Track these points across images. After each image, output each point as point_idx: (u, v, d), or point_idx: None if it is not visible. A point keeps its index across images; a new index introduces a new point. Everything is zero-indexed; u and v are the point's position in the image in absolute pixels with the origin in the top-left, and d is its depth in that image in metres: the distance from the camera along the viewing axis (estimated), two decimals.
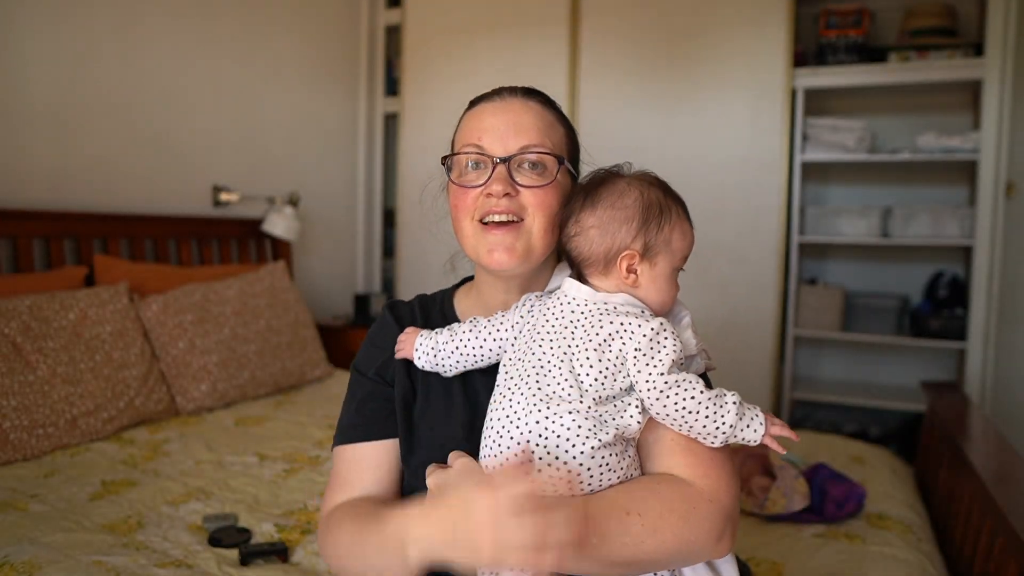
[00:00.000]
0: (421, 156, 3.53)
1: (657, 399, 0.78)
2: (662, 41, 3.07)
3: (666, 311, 0.88)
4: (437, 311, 1.02)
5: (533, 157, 0.89)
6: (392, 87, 3.74)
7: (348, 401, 0.99)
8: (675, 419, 0.78)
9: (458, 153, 0.92)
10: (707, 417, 0.78)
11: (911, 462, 2.37)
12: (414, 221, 3.58)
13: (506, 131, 0.89)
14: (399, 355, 0.95)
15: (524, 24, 3.28)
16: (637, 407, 0.79)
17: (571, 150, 0.96)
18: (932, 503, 1.79)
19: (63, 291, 2.02)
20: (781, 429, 0.80)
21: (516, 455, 0.77)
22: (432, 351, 0.92)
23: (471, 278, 1.04)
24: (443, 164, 0.95)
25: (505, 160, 0.88)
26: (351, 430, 0.95)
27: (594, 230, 0.84)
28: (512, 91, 0.94)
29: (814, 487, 1.57)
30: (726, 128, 2.99)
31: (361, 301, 3.37)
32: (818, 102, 3.16)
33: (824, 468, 1.64)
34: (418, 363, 0.93)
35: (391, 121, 3.79)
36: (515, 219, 0.88)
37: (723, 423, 0.78)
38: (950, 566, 1.50)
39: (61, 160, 2.31)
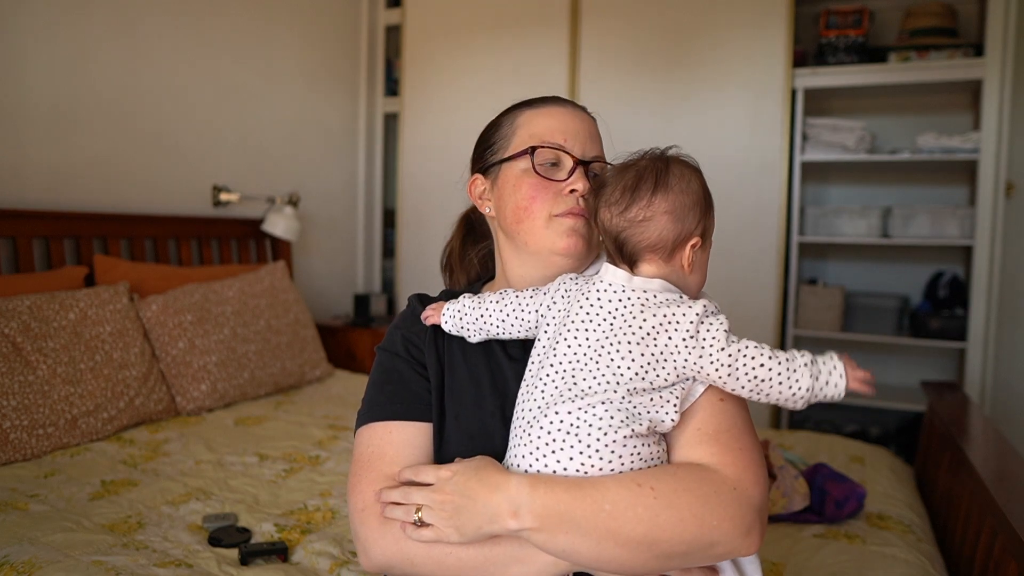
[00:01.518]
0: (421, 156, 3.53)
1: (729, 375, 0.77)
2: (662, 41, 3.07)
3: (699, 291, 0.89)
4: None
5: (599, 168, 0.96)
6: (392, 87, 3.74)
7: (378, 380, 0.97)
8: (751, 390, 0.77)
9: (547, 146, 0.94)
10: (781, 383, 0.76)
11: (911, 462, 2.37)
12: (414, 221, 3.58)
13: (585, 138, 0.96)
14: (428, 321, 0.97)
15: (524, 24, 3.28)
16: (675, 405, 0.79)
17: None
18: (932, 503, 1.79)
19: (63, 291, 2.02)
20: (865, 375, 0.77)
21: None
22: (458, 313, 0.94)
23: (491, 278, 1.05)
24: (530, 153, 0.95)
25: (586, 163, 0.94)
26: (387, 408, 0.93)
27: (668, 216, 0.83)
28: (572, 102, 1.00)
29: (814, 487, 1.57)
30: (726, 128, 2.99)
31: (361, 301, 3.37)
32: (818, 102, 3.16)
33: (824, 468, 1.64)
34: (444, 326, 0.95)
35: (391, 121, 3.79)
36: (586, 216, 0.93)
37: (799, 387, 0.76)
38: (950, 566, 1.50)
39: (61, 160, 2.32)
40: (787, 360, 0.77)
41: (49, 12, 2.24)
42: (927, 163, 2.91)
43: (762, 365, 0.76)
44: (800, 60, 2.97)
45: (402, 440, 0.91)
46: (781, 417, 3.06)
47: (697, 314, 0.79)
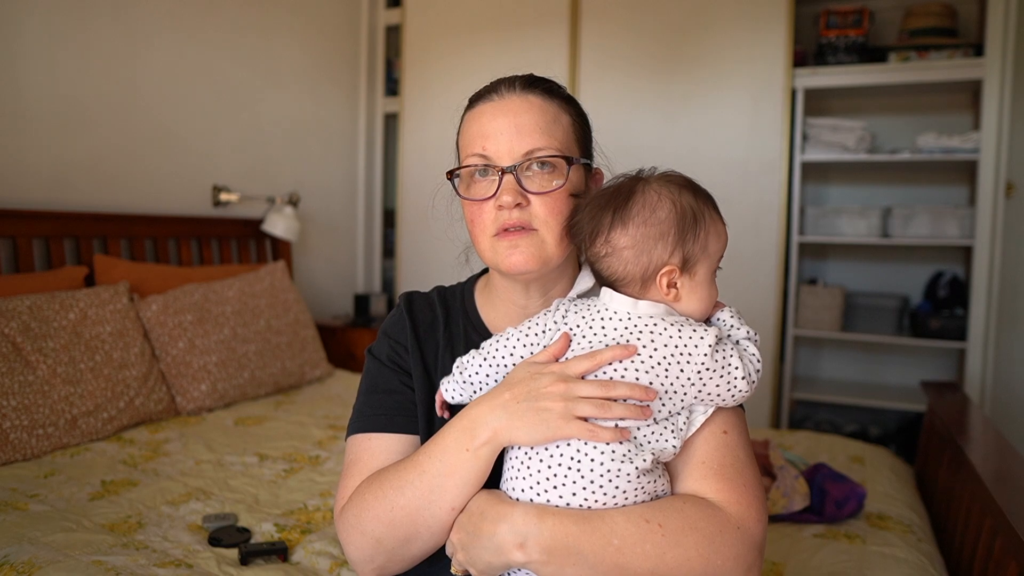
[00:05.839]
0: (421, 156, 3.53)
1: (745, 393, 0.80)
2: (662, 41, 3.07)
3: (708, 314, 0.85)
4: (458, 305, 1.00)
5: (543, 158, 0.86)
6: (392, 87, 3.74)
7: (365, 389, 0.96)
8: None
9: (463, 167, 0.90)
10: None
11: (911, 462, 2.37)
12: (414, 221, 3.58)
13: (509, 135, 0.86)
14: (441, 412, 0.91)
15: (524, 24, 3.28)
16: (674, 433, 0.77)
17: (581, 136, 0.93)
18: (932, 503, 1.79)
19: (63, 291, 2.02)
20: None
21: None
22: (457, 370, 0.88)
23: (487, 270, 1.02)
24: (449, 179, 0.93)
25: (511, 169, 0.86)
26: (370, 419, 0.92)
27: (628, 251, 0.80)
28: (511, 85, 0.90)
29: (814, 487, 1.57)
30: (726, 128, 2.99)
31: (361, 301, 3.37)
32: (818, 102, 3.16)
33: (824, 468, 1.64)
34: (448, 396, 0.89)
35: (391, 121, 3.79)
36: (528, 228, 0.87)
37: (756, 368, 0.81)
38: (950, 566, 1.50)
39: (61, 160, 2.31)
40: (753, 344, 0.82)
41: (49, 12, 2.24)
42: (927, 163, 2.91)
43: (759, 371, 0.80)
44: (800, 60, 2.97)
45: (380, 447, 0.91)
46: (781, 417, 3.06)
47: (710, 346, 0.77)
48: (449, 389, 0.89)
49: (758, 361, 0.80)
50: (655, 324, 0.78)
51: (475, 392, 0.87)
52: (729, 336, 0.82)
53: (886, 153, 2.95)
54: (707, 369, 0.76)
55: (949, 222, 2.84)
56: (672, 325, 0.78)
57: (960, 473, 1.55)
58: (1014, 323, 2.70)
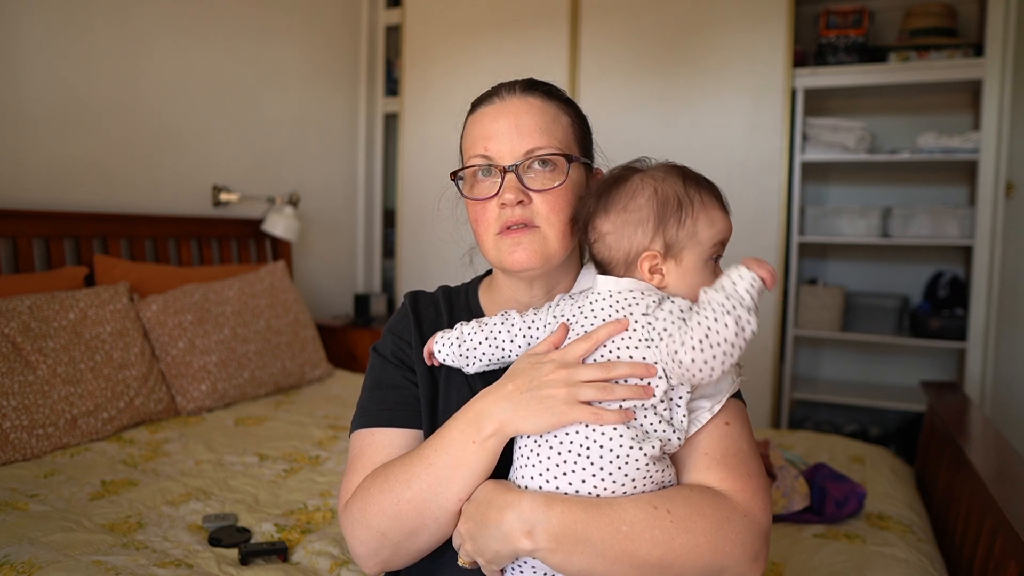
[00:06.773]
0: (421, 156, 3.53)
1: (700, 371, 0.73)
2: (662, 41, 3.07)
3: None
4: (462, 304, 1.01)
5: (544, 157, 0.88)
6: (392, 87, 3.74)
7: (369, 385, 0.97)
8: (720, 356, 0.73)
9: (467, 167, 0.92)
10: (728, 327, 0.72)
11: (911, 462, 2.37)
12: (414, 221, 3.58)
13: (510, 135, 0.89)
14: (429, 361, 0.93)
15: (524, 24, 3.28)
16: (673, 423, 0.77)
17: (581, 136, 0.95)
18: (932, 503, 1.79)
19: (63, 291, 2.02)
20: (768, 266, 0.75)
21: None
22: (457, 340, 0.89)
23: (491, 271, 1.04)
24: (453, 180, 0.95)
25: (512, 168, 0.88)
26: (374, 414, 0.93)
27: (610, 236, 0.83)
28: (511, 88, 0.93)
29: (814, 487, 1.57)
30: (726, 128, 2.99)
31: (361, 301, 3.37)
32: (818, 102, 3.16)
33: (824, 468, 1.64)
34: (439, 356, 0.90)
35: (391, 121, 3.79)
36: (530, 225, 0.88)
37: (744, 334, 0.72)
38: (950, 566, 1.50)
39: (61, 160, 2.32)
40: (720, 306, 0.73)
41: (49, 12, 2.24)
42: (927, 163, 2.91)
43: (726, 339, 0.73)
44: (800, 60, 2.97)
45: (384, 442, 0.91)
46: (781, 417, 3.06)
47: (681, 309, 0.77)
48: (442, 350, 0.90)
49: (733, 339, 0.73)
50: (634, 297, 0.80)
51: (467, 364, 0.89)
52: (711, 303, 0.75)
53: (886, 153, 2.95)
54: (678, 330, 0.74)
55: (949, 222, 2.84)
56: (645, 295, 0.80)
57: (960, 473, 1.55)
58: (1014, 323, 2.70)
